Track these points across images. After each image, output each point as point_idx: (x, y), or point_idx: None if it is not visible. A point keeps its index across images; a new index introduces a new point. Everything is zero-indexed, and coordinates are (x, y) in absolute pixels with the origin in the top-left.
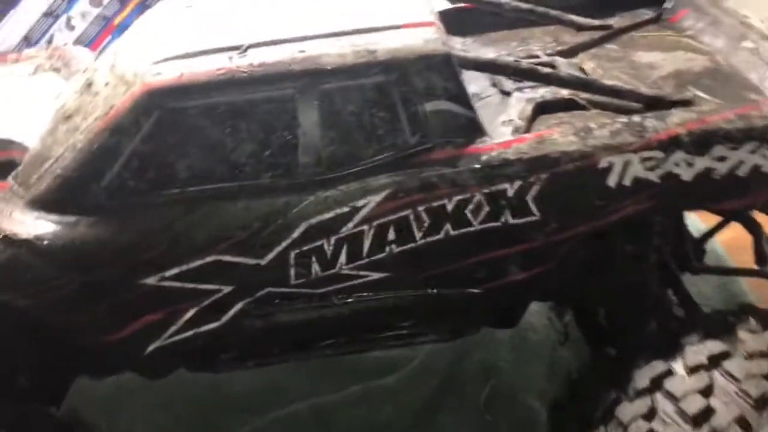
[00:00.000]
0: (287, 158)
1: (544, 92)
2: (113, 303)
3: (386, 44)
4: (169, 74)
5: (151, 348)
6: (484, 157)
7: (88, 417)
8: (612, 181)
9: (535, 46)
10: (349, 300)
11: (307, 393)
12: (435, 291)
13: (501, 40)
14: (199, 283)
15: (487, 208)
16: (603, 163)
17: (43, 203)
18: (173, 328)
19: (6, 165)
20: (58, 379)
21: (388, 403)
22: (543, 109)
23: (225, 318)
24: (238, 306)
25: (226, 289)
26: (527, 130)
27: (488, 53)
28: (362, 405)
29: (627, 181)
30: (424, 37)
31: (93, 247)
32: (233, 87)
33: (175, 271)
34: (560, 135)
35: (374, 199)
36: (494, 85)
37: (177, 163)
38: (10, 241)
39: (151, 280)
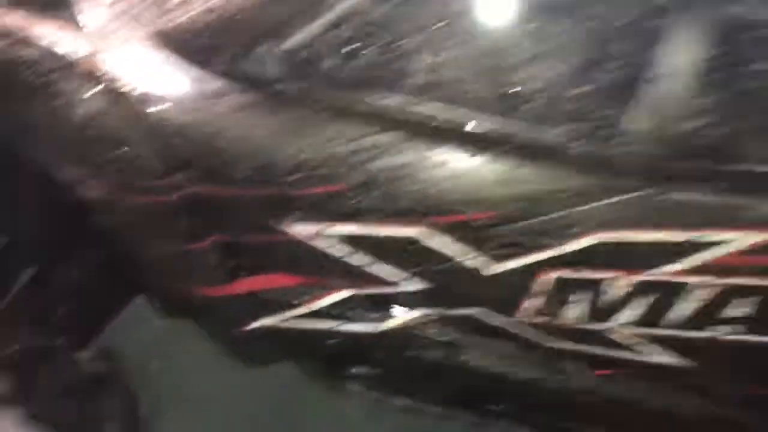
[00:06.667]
0: (604, 109)
1: None
2: (231, 241)
3: None
4: None
5: (257, 324)
6: None
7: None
8: None
9: None
10: (593, 375)
11: None
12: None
13: None
14: (370, 262)
15: None
16: None
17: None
18: (303, 310)
19: None
20: (100, 309)
21: None
22: None
23: (388, 324)
24: (418, 314)
25: (410, 284)
26: None
27: None
28: None
29: None
30: None
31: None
32: None
33: (343, 230)
34: None
35: (747, 239)
36: None
37: None
38: (108, 89)
39: (300, 229)
